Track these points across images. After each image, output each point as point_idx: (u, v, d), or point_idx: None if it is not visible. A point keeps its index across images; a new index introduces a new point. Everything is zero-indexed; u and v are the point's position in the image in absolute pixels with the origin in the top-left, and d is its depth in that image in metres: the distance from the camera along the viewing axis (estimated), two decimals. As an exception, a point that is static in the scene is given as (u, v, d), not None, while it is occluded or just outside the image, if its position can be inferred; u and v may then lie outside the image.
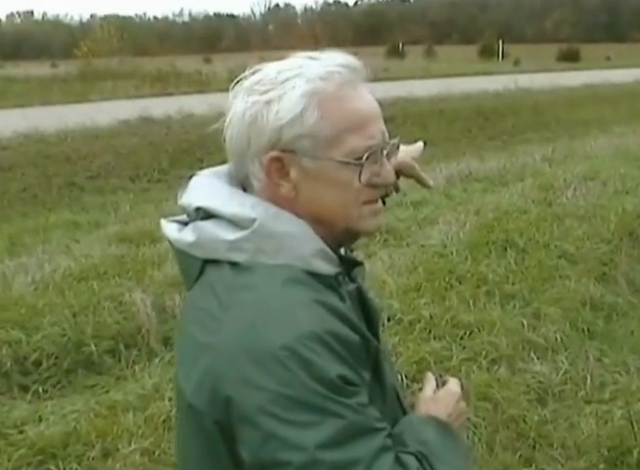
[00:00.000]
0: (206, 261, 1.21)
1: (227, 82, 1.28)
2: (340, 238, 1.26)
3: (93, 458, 3.29)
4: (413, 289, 5.07)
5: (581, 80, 25.94)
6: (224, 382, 1.09)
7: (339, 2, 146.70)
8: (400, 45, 63.96)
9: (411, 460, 1.14)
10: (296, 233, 1.19)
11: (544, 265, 5.56)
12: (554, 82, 24.79)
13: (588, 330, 4.68)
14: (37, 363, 4.16)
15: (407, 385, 3.90)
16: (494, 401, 3.75)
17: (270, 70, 1.22)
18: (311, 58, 1.22)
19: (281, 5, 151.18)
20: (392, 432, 1.18)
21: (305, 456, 1.03)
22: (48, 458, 3.29)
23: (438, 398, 1.35)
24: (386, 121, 1.26)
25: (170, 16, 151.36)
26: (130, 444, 3.36)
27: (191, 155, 12.40)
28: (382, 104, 1.27)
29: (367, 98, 1.24)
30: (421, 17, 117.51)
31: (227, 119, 1.23)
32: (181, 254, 1.24)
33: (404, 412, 1.36)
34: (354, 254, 1.46)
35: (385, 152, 1.25)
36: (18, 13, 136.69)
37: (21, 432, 3.47)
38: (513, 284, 5.23)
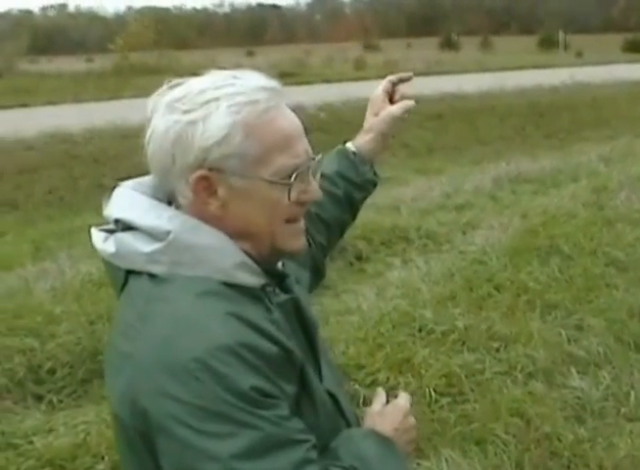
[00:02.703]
0: (129, 272, 1.28)
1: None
2: (265, 255, 1.32)
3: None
4: (448, 298, 5.09)
5: (647, 73, 25.51)
6: (141, 393, 1.17)
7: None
8: (455, 36, 63.58)
9: None
10: (214, 245, 1.26)
11: (590, 273, 5.52)
12: (616, 75, 24.44)
13: (634, 343, 4.62)
14: (52, 372, 4.26)
15: (435, 400, 3.93)
16: (527, 418, 3.74)
17: (191, 87, 1.27)
18: (234, 77, 1.28)
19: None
20: (330, 445, 1.24)
21: (220, 466, 1.10)
22: (56, 470, 3.38)
23: (385, 412, 1.41)
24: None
25: (210, 7, 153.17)
26: (141, 456, 3.42)
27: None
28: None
29: (290, 117, 1.31)
30: (477, 5, 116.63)
31: (147, 134, 1.29)
32: (106, 263, 1.31)
33: (349, 424, 1.41)
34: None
35: (310, 169, 1.32)
36: (51, 6, 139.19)
37: (30, 442, 3.56)
38: (555, 293, 5.21)
